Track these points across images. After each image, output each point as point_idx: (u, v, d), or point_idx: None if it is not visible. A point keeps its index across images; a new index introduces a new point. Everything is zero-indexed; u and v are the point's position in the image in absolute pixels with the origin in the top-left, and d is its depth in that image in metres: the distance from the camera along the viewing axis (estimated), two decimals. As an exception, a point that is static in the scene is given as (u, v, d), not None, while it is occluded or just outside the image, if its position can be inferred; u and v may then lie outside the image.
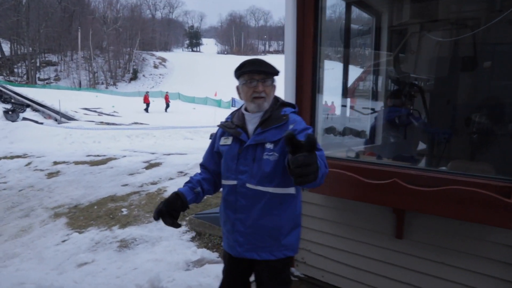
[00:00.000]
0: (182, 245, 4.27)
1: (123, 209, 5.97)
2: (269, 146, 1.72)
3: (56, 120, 20.01)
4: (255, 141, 1.74)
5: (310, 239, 2.72)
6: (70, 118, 20.31)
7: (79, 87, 56.69)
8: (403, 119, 3.16)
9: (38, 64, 64.03)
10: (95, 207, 6.31)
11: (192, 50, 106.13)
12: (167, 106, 30.04)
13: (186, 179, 8.07)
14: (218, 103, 38.61)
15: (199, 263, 3.44)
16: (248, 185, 1.74)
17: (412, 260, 2.30)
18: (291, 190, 1.78)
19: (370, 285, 2.48)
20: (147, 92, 31.45)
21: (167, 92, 33.39)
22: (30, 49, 61.81)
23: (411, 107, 3.39)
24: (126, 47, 69.54)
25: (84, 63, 64.42)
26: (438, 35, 3.81)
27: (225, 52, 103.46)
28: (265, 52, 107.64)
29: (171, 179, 7.91)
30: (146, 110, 28.40)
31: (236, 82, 1.89)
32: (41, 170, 9.55)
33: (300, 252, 2.71)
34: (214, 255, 3.97)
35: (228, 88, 46.91)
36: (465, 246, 2.14)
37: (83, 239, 4.84)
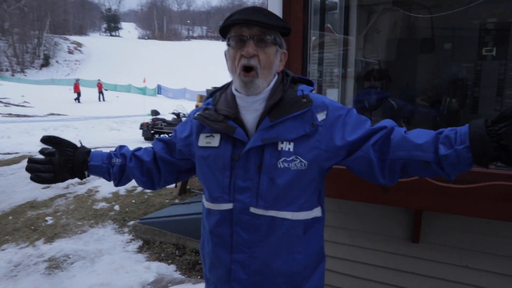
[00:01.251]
0: (129, 259, 3.58)
1: (47, 218, 5.02)
2: (286, 147, 1.10)
3: (-51, 113, 17.06)
4: (263, 141, 1.10)
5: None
6: (-31, 111, 17.47)
7: (-22, 74, 49.76)
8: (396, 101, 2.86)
9: None
10: (10, 217, 5.23)
11: (111, 35, 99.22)
12: (102, 94, 27.95)
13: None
14: (143, 91, 36.51)
15: (159, 284, 2.81)
16: (252, 209, 1.12)
17: (431, 266, 1.99)
18: (317, 212, 1.20)
19: (378, 297, 2.13)
20: (77, 80, 28.42)
21: (99, 80, 30.17)
22: None
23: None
24: (34, 30, 62.34)
25: (-18, 47, 56.53)
26: (413, 13, 3.58)
27: (146, 37, 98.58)
28: (188, 38, 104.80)
29: (102, 177, 6.98)
30: (78, 100, 26.18)
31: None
32: None
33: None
34: (171, 269, 3.37)
35: (152, 74, 44.76)
36: (493, 247, 1.87)
37: (-3, 262, 3.88)
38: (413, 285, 2.03)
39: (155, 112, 12.11)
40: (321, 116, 1.13)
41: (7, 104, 21.30)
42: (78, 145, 1.30)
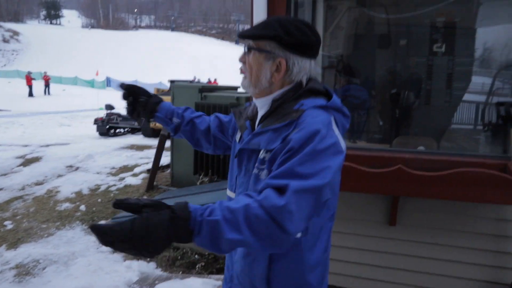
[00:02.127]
0: (106, 260, 3.53)
1: (5, 223, 4.75)
2: (262, 155, 1.12)
3: None
4: (249, 145, 1.16)
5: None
6: None
7: None
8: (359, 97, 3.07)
9: None
10: (-38, 223, 4.89)
11: (51, 23, 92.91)
12: (48, 88, 26.28)
13: (80, 174, 6.96)
14: (91, 84, 34.80)
15: (145, 282, 2.81)
16: None
17: (406, 245, 2.22)
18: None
19: (363, 276, 2.33)
20: (29, 73, 26.13)
21: (45, 72, 28.12)
22: None
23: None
24: (-39, 17, 56.77)
25: None
26: (374, 11, 3.79)
27: (90, 26, 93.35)
28: (136, 27, 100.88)
29: (60, 176, 6.68)
30: (31, 94, 24.55)
31: None
32: None
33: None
34: (152, 266, 3.38)
35: (100, 66, 42.68)
36: (458, 224, 2.14)
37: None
38: (391, 264, 2.24)
39: (109, 107, 11.64)
40: (292, 133, 1.05)
41: None
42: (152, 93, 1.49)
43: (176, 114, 1.47)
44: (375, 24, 3.98)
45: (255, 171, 1.13)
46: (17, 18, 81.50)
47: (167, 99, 9.37)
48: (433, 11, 3.48)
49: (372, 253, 2.26)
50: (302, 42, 1.13)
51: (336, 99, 1.16)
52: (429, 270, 2.20)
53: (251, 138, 1.17)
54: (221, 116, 1.51)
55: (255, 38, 1.17)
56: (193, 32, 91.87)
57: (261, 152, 1.12)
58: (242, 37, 1.20)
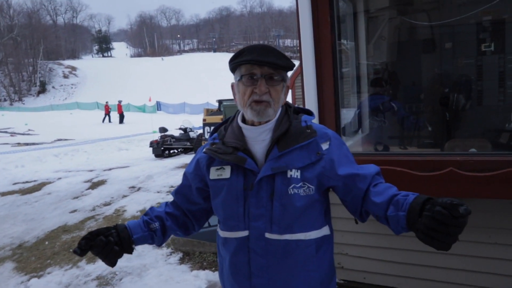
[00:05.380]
0: (175, 271, 3.83)
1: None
2: (295, 174, 1.19)
3: (-41, 147, 17.27)
4: (273, 170, 1.18)
5: (346, 242, 2.54)
6: (-23, 144, 17.68)
7: (-23, 107, 50.01)
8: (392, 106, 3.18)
9: None
10: (46, 242, 5.46)
11: (103, 56, 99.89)
12: (122, 117, 27.59)
13: (143, 194, 7.40)
14: (142, 109, 36.86)
15: (214, 289, 3.08)
16: (267, 235, 1.20)
17: (464, 246, 2.24)
18: (326, 230, 1.28)
19: (419, 277, 2.39)
20: (119, 101, 28.91)
21: (119, 101, 28.97)
22: None
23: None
24: (28, 58, 62.75)
25: (-21, 80, 56.86)
26: (414, 19, 3.87)
27: (135, 55, 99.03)
28: (180, 52, 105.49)
29: (125, 196, 7.21)
30: (109, 120, 27.01)
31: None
32: (-40, 208, 8.10)
33: (336, 257, 2.52)
34: (217, 274, 3.63)
35: (149, 91, 45.08)
36: (517, 223, 2.13)
37: (48, 285, 4.11)
38: (449, 264, 2.29)
39: (163, 129, 12.36)
40: (325, 146, 1.23)
41: (13, 133, 21.55)
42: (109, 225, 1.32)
43: (151, 220, 1.33)
44: (418, 29, 4.04)
45: (294, 191, 1.18)
46: (74, 55, 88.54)
47: (217, 118, 9.85)
48: (478, 11, 3.49)
49: (426, 253, 2.30)
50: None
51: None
52: (489, 270, 2.22)
53: (274, 162, 1.19)
54: (179, 190, 1.41)
55: (289, 69, 1.22)
56: (234, 51, 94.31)
57: (292, 171, 1.19)
58: (279, 67, 1.19)
